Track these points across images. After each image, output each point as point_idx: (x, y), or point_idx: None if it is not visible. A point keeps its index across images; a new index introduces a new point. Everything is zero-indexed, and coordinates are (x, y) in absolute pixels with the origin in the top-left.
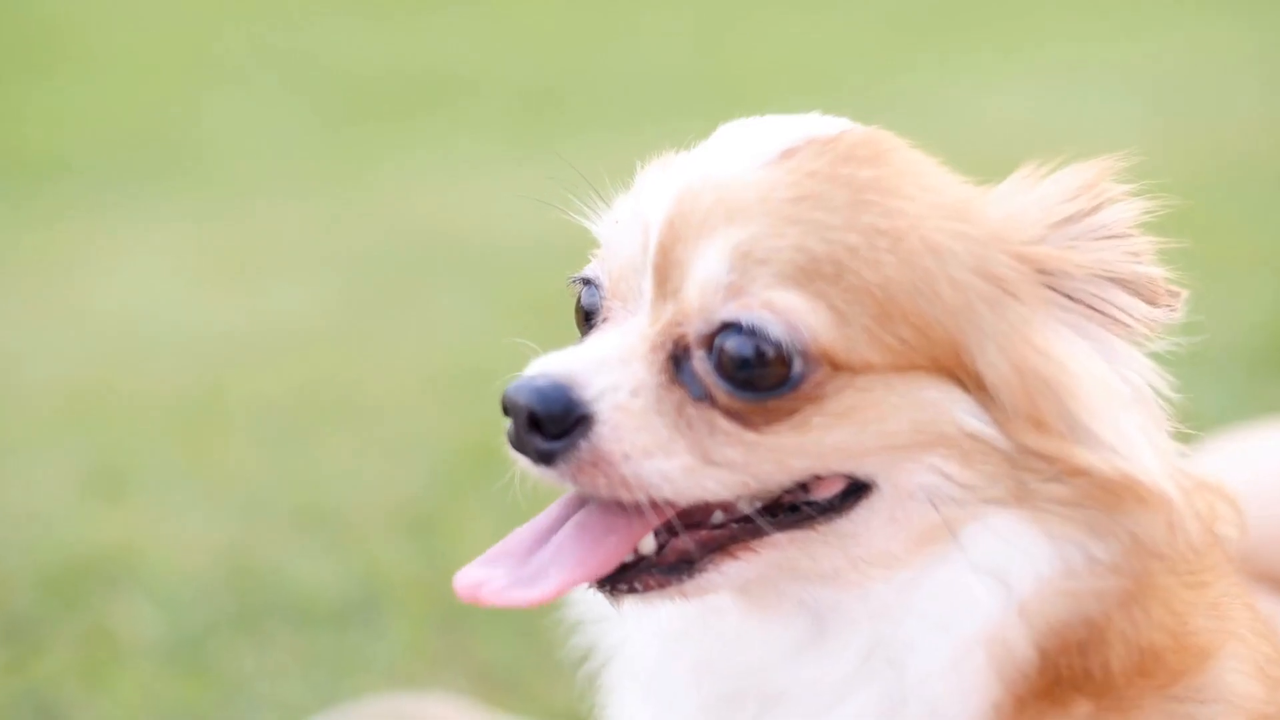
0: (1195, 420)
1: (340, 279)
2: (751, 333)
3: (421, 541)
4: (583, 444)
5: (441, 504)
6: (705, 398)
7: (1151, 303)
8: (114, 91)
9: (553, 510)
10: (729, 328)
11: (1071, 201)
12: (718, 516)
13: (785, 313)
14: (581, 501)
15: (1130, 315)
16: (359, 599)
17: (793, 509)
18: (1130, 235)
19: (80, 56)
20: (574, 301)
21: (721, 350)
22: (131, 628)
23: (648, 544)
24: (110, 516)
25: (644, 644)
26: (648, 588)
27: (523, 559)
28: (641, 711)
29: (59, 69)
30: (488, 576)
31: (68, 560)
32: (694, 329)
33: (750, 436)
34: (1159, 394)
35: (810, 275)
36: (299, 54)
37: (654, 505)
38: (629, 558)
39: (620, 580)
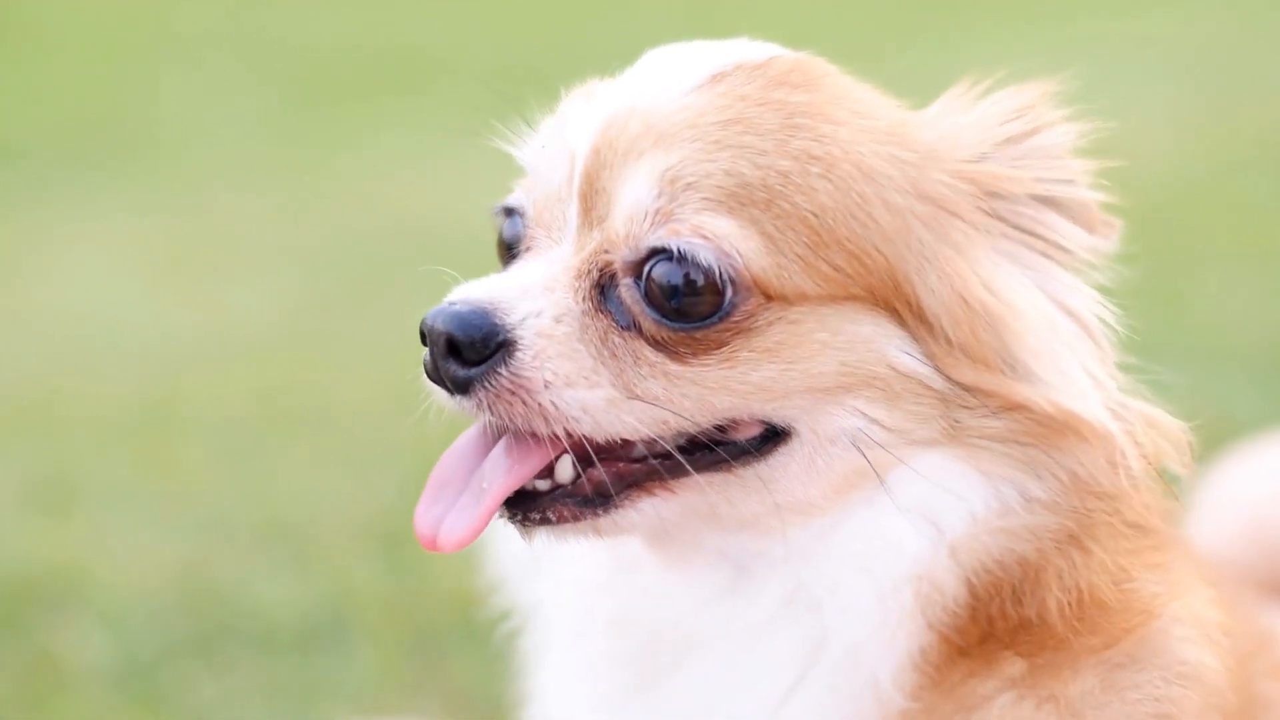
0: (1226, 423)
1: (302, 275)
2: (681, 259)
3: (391, 559)
4: (503, 370)
5: (412, 518)
6: (631, 327)
7: (1089, 230)
8: (59, 72)
9: (477, 430)
10: (658, 254)
11: (1009, 123)
12: (638, 450)
13: (716, 238)
14: (497, 431)
15: (1070, 241)
16: (325, 621)
17: (713, 449)
18: (1067, 159)
19: (22, 33)
20: (495, 234)
21: (650, 278)
22: (78, 653)
23: (565, 473)
24: (55, 532)
25: (561, 599)
26: (561, 518)
27: (463, 481)
28: (559, 668)
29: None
30: (439, 517)
31: (9, 580)
32: (621, 256)
33: (675, 368)
34: (1103, 323)
35: (742, 201)
36: (258, 31)
37: (569, 438)
38: (543, 486)
39: (533, 509)
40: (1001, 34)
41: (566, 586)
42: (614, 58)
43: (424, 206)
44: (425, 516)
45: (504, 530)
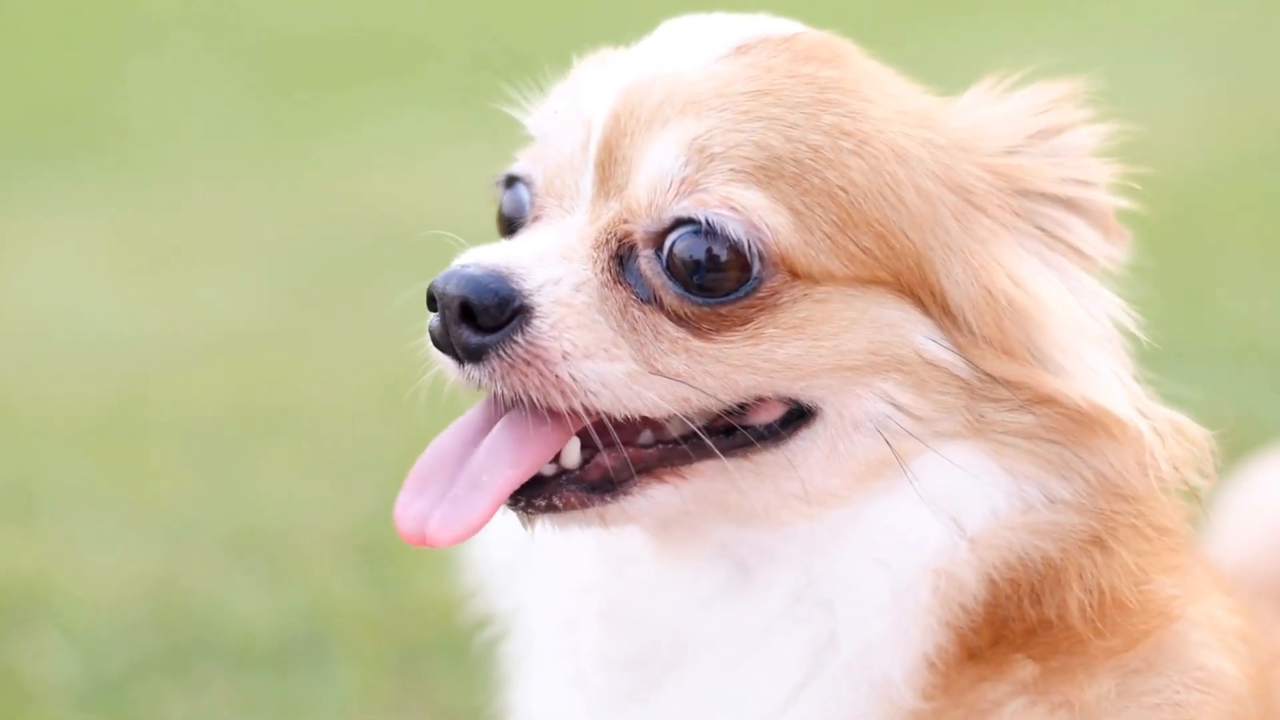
0: (1249, 425)
1: (279, 272)
2: (709, 232)
3: (373, 570)
4: (519, 339)
5: (395, 528)
6: (652, 300)
7: (1106, 236)
8: (20, 57)
9: (470, 418)
10: (682, 225)
11: (1039, 118)
12: (646, 437)
13: (745, 211)
14: (505, 406)
15: (1089, 247)
16: (303, 636)
17: (729, 433)
18: (1092, 161)
19: None
20: (495, 208)
21: (672, 251)
22: (43, 669)
23: (572, 457)
24: (17, 542)
25: (547, 605)
26: (567, 505)
27: (453, 473)
28: (547, 674)
29: None
30: (426, 512)
31: None
32: (642, 226)
33: (697, 344)
34: (1124, 331)
35: (771, 174)
36: (230, 14)
37: (587, 414)
38: (549, 471)
39: (538, 495)
40: (1014, 20)
41: (554, 588)
42: (611, 39)
43: (407, 198)
44: (409, 510)
45: (484, 530)
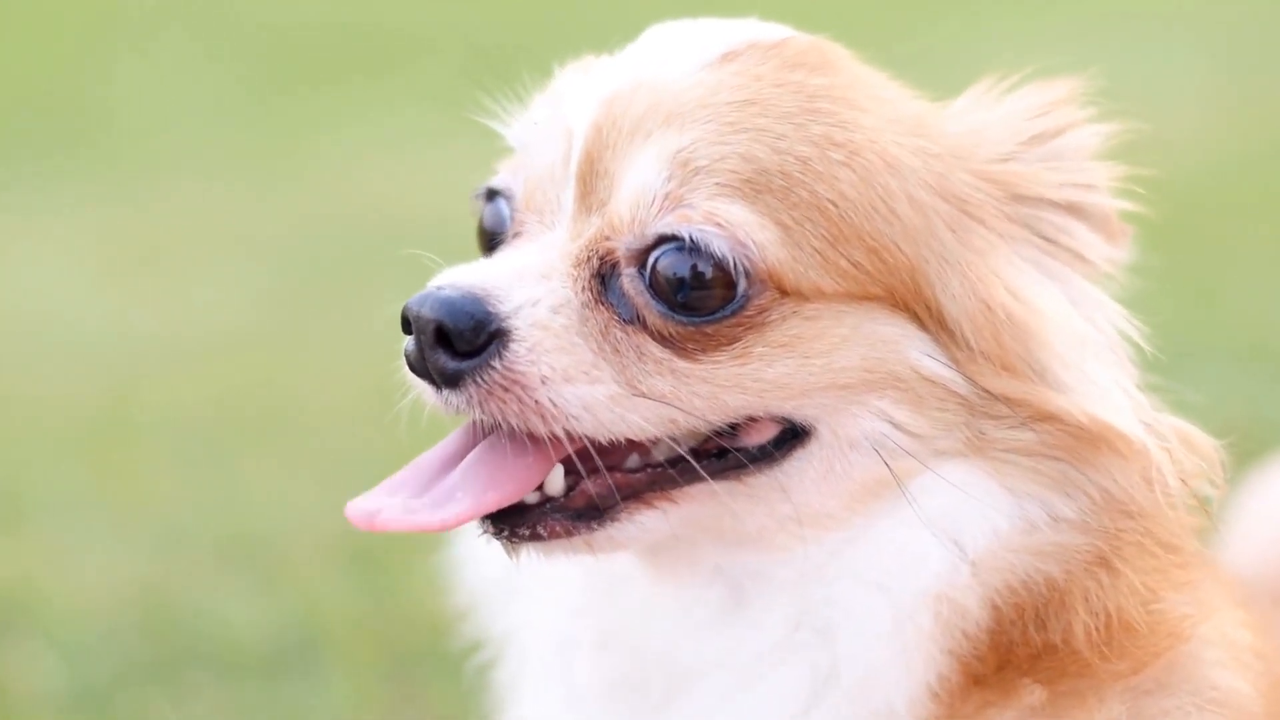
0: (1259, 427)
1: (269, 269)
2: (693, 249)
3: (365, 577)
4: (496, 364)
5: (387, 534)
6: (635, 320)
7: (1109, 239)
8: (7, 54)
9: (455, 437)
10: (666, 242)
11: (1036, 120)
12: (633, 461)
13: (731, 226)
14: (485, 431)
15: (1091, 252)
16: (294, 644)
17: (720, 455)
18: (1092, 164)
19: None
20: (476, 222)
21: (656, 269)
22: (28, 678)
23: (556, 485)
24: (2, 548)
25: (540, 627)
26: (552, 534)
27: (424, 486)
28: (540, 702)
29: None
30: (384, 504)
31: None
32: (624, 243)
33: (683, 365)
34: (1128, 340)
35: (758, 188)
36: (220, 8)
37: (570, 439)
38: (532, 499)
39: (522, 524)
40: (1016, 15)
41: (546, 611)
42: (606, 37)
43: (399, 195)
44: (365, 500)
45: (476, 550)
